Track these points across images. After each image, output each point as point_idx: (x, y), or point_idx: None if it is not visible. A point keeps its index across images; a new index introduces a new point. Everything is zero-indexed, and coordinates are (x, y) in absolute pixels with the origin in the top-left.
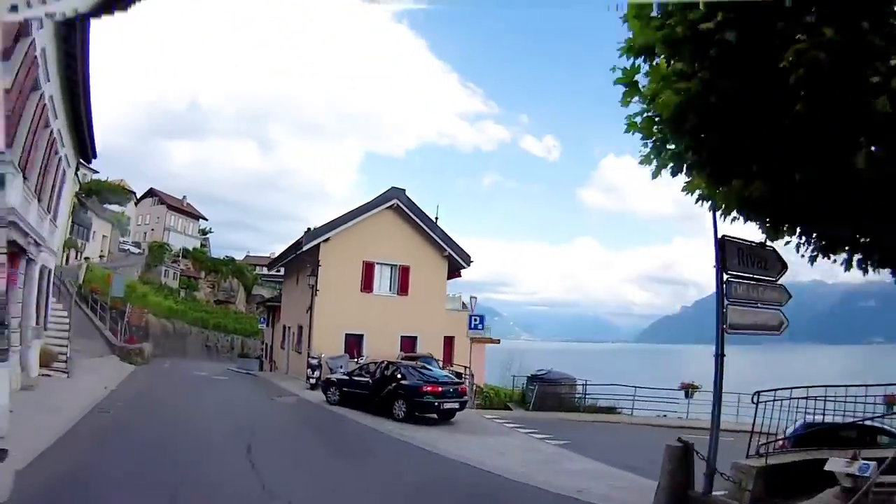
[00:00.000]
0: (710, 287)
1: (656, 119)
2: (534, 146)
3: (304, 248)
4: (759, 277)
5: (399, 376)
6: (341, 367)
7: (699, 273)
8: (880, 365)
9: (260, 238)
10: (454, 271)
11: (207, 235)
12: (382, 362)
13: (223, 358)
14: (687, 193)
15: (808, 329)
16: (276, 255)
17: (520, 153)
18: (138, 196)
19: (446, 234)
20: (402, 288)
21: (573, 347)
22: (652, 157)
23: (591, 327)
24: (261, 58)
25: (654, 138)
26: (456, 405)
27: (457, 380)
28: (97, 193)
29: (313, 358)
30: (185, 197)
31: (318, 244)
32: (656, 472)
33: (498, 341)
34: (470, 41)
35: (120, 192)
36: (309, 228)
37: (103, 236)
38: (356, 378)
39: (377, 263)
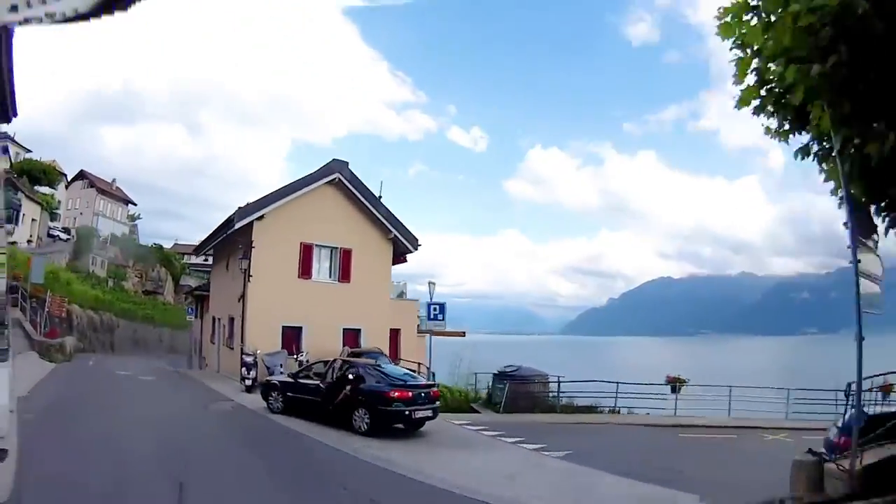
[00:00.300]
0: (637, 279)
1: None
2: (460, 137)
3: (236, 227)
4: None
5: (354, 378)
6: (280, 365)
7: (625, 265)
8: (817, 354)
9: (187, 227)
10: (399, 256)
11: (136, 222)
12: (334, 361)
13: (152, 353)
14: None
15: (736, 321)
16: (205, 237)
17: (446, 144)
18: (69, 179)
19: (392, 214)
20: (344, 274)
21: (499, 339)
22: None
23: (515, 319)
24: (192, 42)
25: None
26: (429, 413)
27: (428, 382)
28: (28, 174)
29: (248, 355)
30: (114, 180)
31: (251, 223)
32: (724, 491)
33: (463, 334)
34: (402, 30)
35: (52, 173)
36: (240, 206)
37: (32, 220)
38: (303, 381)
39: (316, 246)
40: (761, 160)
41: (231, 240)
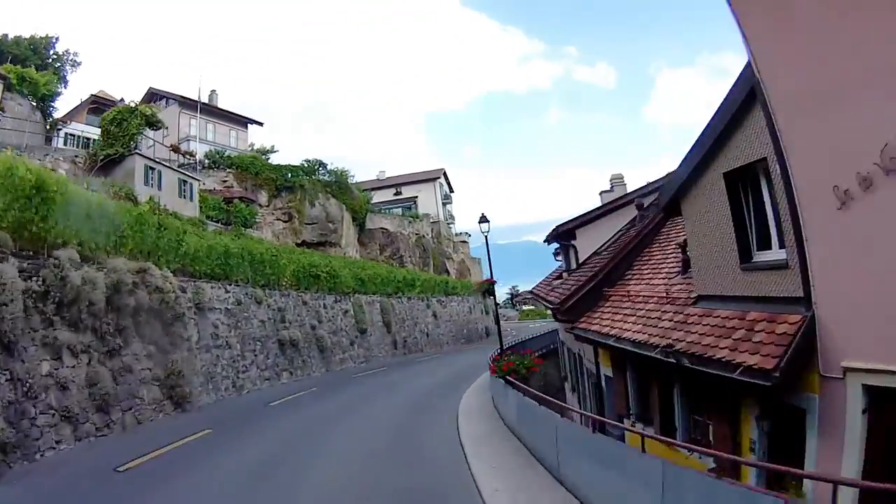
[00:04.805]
0: None
1: None
2: (588, 75)
3: None
4: None
5: None
6: None
7: None
8: None
9: None
10: None
11: (270, 153)
12: None
13: (341, 372)
14: None
15: None
16: None
17: (577, 85)
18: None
19: None
20: None
21: None
22: None
23: None
24: (312, 51)
25: None
26: None
27: None
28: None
29: None
30: (214, 91)
31: None
32: None
33: None
34: None
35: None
36: None
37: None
38: None
39: None
40: None
41: None
